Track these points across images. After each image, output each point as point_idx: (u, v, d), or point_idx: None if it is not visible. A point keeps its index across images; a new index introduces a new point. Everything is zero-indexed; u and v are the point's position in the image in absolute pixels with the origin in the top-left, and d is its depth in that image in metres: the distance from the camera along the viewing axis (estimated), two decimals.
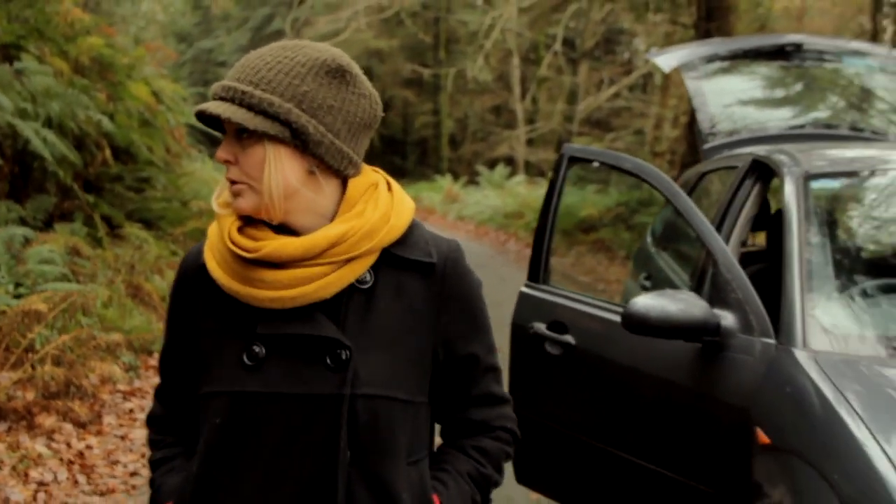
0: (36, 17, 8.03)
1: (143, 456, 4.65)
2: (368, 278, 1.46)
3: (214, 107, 1.40)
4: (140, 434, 4.94)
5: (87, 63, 8.47)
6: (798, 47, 4.63)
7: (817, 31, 15.73)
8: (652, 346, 2.77)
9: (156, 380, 3.68)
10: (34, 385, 4.91)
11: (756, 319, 2.54)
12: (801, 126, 4.42)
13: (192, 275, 1.52)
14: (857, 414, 2.14)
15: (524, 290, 3.31)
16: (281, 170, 1.40)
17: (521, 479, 3.41)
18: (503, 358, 3.15)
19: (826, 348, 2.44)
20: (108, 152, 8.21)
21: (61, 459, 4.48)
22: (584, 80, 24.23)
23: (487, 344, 1.57)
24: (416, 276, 1.49)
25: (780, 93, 4.93)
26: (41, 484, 4.22)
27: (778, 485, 2.24)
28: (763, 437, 2.36)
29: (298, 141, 1.40)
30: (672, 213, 4.37)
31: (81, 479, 4.36)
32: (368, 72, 27.21)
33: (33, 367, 4.95)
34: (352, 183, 1.48)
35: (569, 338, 3.10)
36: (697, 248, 3.51)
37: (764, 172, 3.32)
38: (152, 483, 1.59)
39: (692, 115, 4.55)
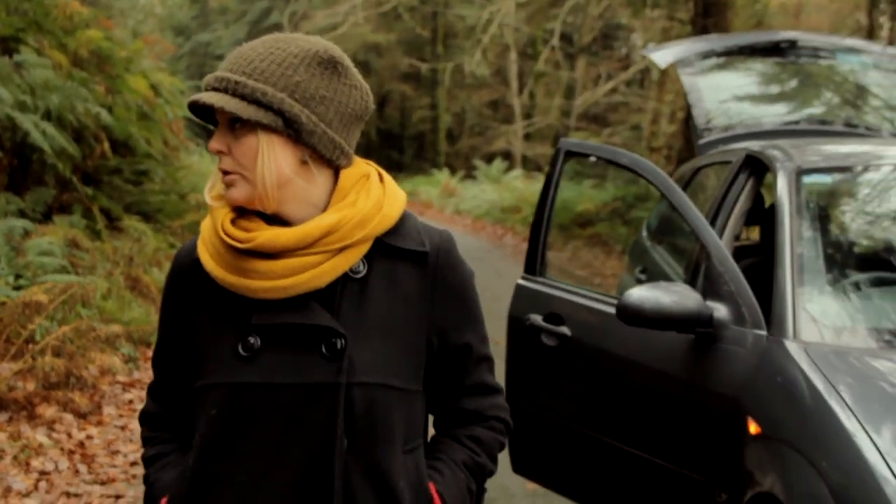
0: (35, 9, 8.04)
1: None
2: (362, 268, 1.47)
3: (207, 97, 1.41)
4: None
5: (85, 56, 8.50)
6: (793, 44, 4.66)
7: (814, 27, 15.75)
8: (646, 337, 2.82)
9: None
10: (35, 376, 4.96)
11: (748, 311, 2.58)
12: (796, 122, 4.46)
13: (186, 270, 1.52)
14: (847, 404, 2.18)
15: (521, 282, 3.35)
16: (274, 159, 1.41)
17: (518, 468, 3.45)
18: (500, 350, 3.20)
19: (816, 340, 2.48)
20: (106, 145, 8.22)
21: (62, 449, 4.53)
22: (581, 75, 24.24)
23: (481, 334, 1.58)
24: (410, 266, 1.50)
25: (775, 89, 4.97)
26: (42, 473, 4.26)
27: (768, 473, 2.28)
28: (754, 427, 2.41)
29: (291, 130, 1.41)
30: (667, 207, 4.41)
31: (82, 468, 4.40)
32: (366, 66, 27.24)
33: (34, 358, 4.99)
34: (344, 174, 1.48)
35: (564, 329, 3.14)
36: (692, 241, 3.55)
37: (757, 167, 3.36)
38: (146, 479, 1.59)
39: (688, 110, 4.58)
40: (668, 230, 4.62)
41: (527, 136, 26.02)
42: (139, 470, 4.46)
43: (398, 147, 31.37)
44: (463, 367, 1.56)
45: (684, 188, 4.10)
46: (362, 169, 1.51)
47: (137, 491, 4.22)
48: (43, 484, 4.16)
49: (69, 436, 4.69)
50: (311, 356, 1.43)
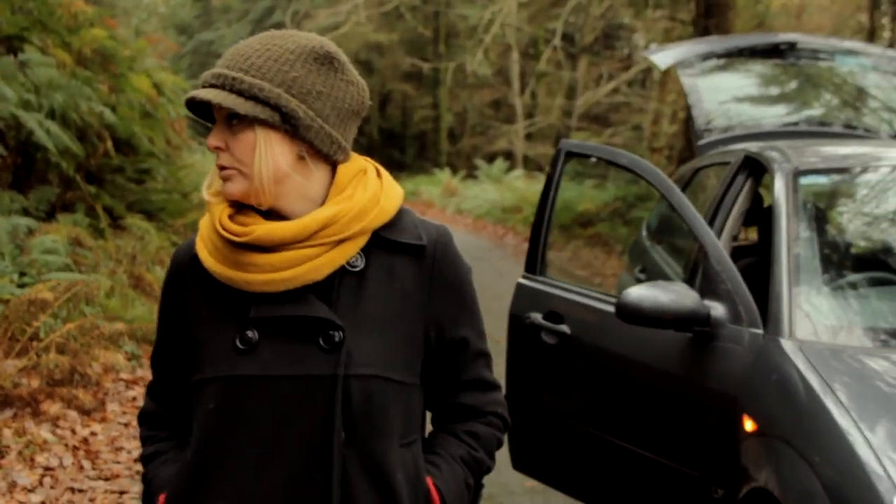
0: (39, 8, 8.07)
1: None
2: (360, 261, 1.47)
3: (205, 93, 1.41)
4: None
5: (89, 55, 8.52)
6: (793, 46, 4.69)
7: (816, 28, 15.77)
8: (644, 335, 2.85)
9: None
10: (39, 373, 5.00)
11: (745, 310, 2.62)
12: (795, 123, 4.49)
13: (185, 267, 1.53)
14: (841, 401, 2.21)
15: (521, 281, 3.38)
16: (271, 154, 1.42)
17: (517, 465, 3.49)
18: (501, 349, 3.23)
19: (812, 338, 2.51)
20: (109, 144, 8.25)
21: (66, 445, 4.57)
22: (583, 76, 24.24)
23: (478, 329, 1.58)
24: (407, 260, 1.50)
25: (774, 90, 5.00)
26: (47, 469, 4.30)
27: (763, 468, 2.32)
28: (750, 424, 2.44)
29: (288, 125, 1.42)
30: (666, 207, 4.45)
31: (86, 464, 4.44)
32: (368, 65, 27.27)
33: (38, 355, 5.02)
34: (341, 169, 1.49)
35: (564, 327, 3.17)
36: (690, 241, 3.59)
37: (756, 168, 3.39)
38: (145, 477, 1.59)
39: (688, 111, 4.61)
40: (668, 230, 4.66)
41: (528, 136, 26.04)
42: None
43: (400, 146, 31.39)
44: (460, 361, 1.55)
45: (684, 189, 4.13)
46: (359, 164, 1.52)
47: (141, 487, 4.26)
48: (47, 480, 4.20)
49: (73, 432, 4.73)
50: (309, 348, 1.44)
